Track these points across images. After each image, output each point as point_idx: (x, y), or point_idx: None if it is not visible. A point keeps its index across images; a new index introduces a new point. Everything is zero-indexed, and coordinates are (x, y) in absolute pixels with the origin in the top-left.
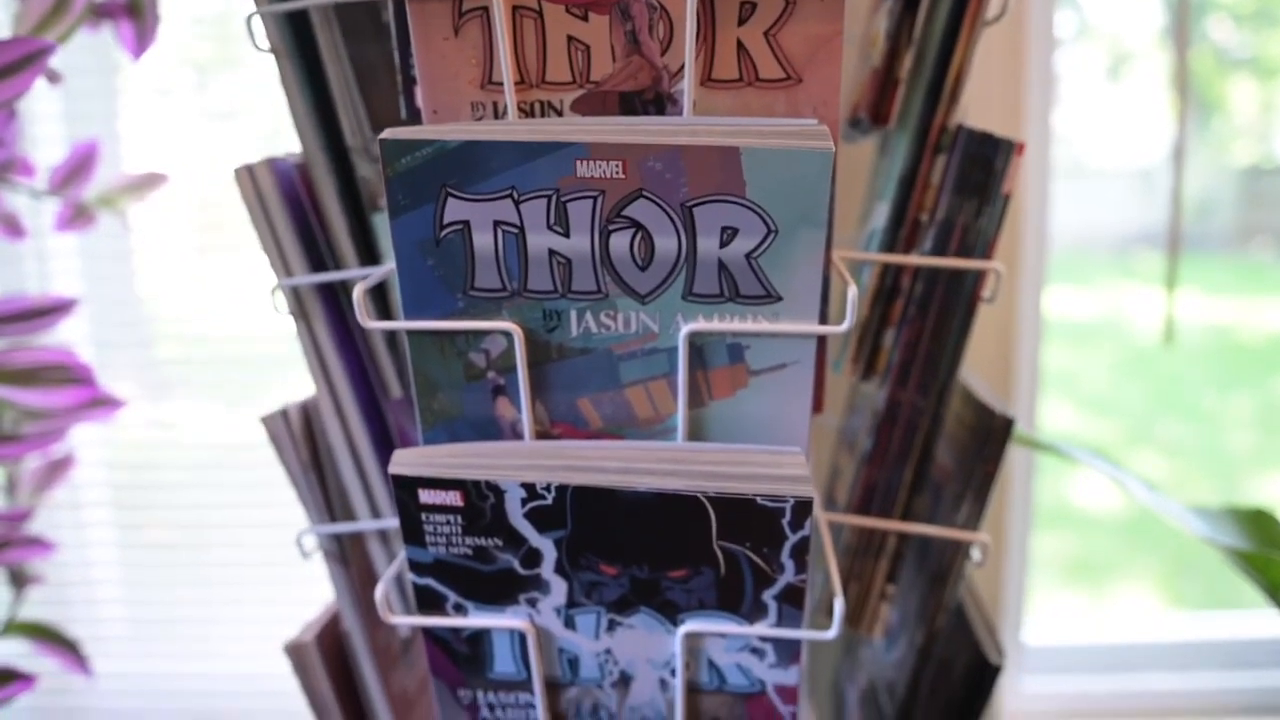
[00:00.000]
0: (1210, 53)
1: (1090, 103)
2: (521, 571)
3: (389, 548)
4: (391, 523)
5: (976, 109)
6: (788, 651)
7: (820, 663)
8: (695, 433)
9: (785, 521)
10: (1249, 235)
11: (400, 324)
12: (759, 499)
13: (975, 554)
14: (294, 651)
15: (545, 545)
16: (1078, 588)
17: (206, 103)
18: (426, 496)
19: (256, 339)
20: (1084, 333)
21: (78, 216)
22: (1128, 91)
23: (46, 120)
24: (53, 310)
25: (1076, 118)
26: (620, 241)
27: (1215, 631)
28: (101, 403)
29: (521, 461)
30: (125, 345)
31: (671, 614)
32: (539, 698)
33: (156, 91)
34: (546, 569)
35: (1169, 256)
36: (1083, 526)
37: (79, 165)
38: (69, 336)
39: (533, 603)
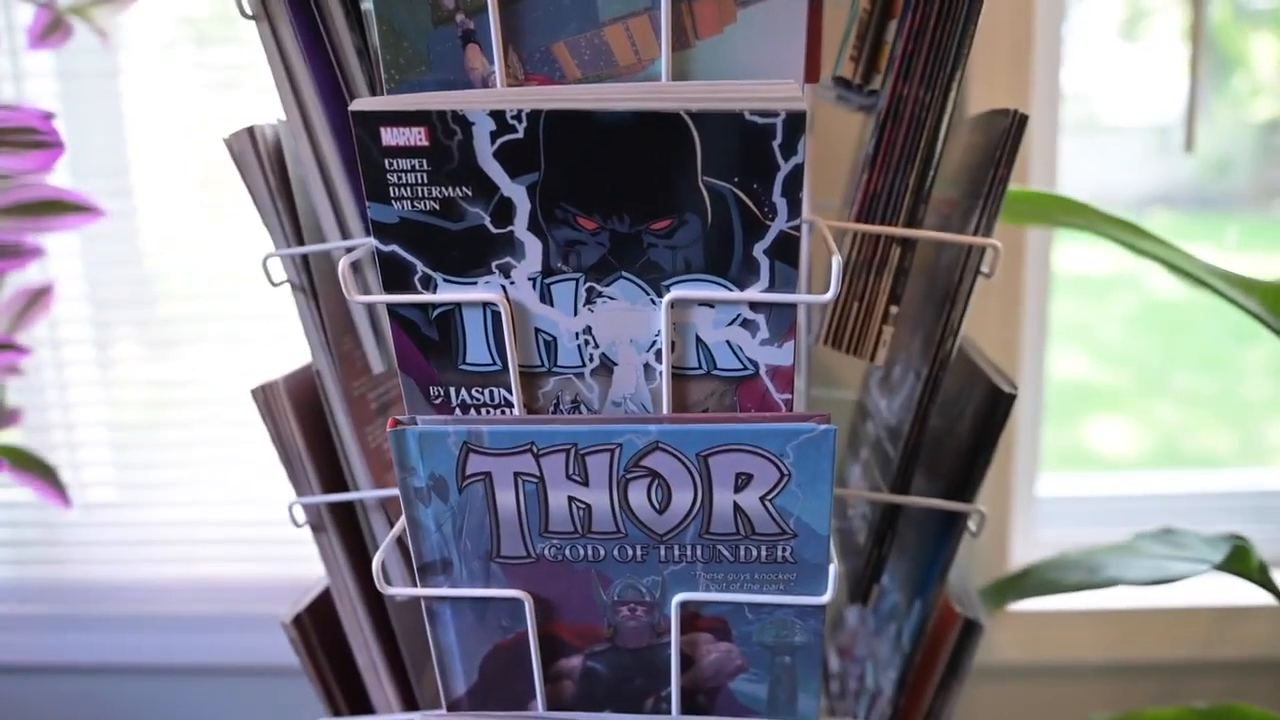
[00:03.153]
0: (1229, 7)
1: (1106, 59)
2: (493, 230)
3: (360, 276)
4: (363, 241)
5: (983, 73)
6: (782, 324)
7: None
8: (680, 78)
9: (776, 145)
10: (1268, 193)
11: None
12: (747, 114)
13: (986, 265)
14: (261, 394)
15: (517, 194)
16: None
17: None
18: (389, 137)
19: None
20: (1099, 287)
21: (52, 29)
22: (1144, 48)
23: None
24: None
25: (1092, 75)
26: None
27: (1231, 484)
28: (79, 209)
29: (492, 99)
30: (103, 174)
31: (655, 280)
32: (515, 386)
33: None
34: (519, 226)
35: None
36: (1100, 469)
37: None
38: None
39: (506, 271)
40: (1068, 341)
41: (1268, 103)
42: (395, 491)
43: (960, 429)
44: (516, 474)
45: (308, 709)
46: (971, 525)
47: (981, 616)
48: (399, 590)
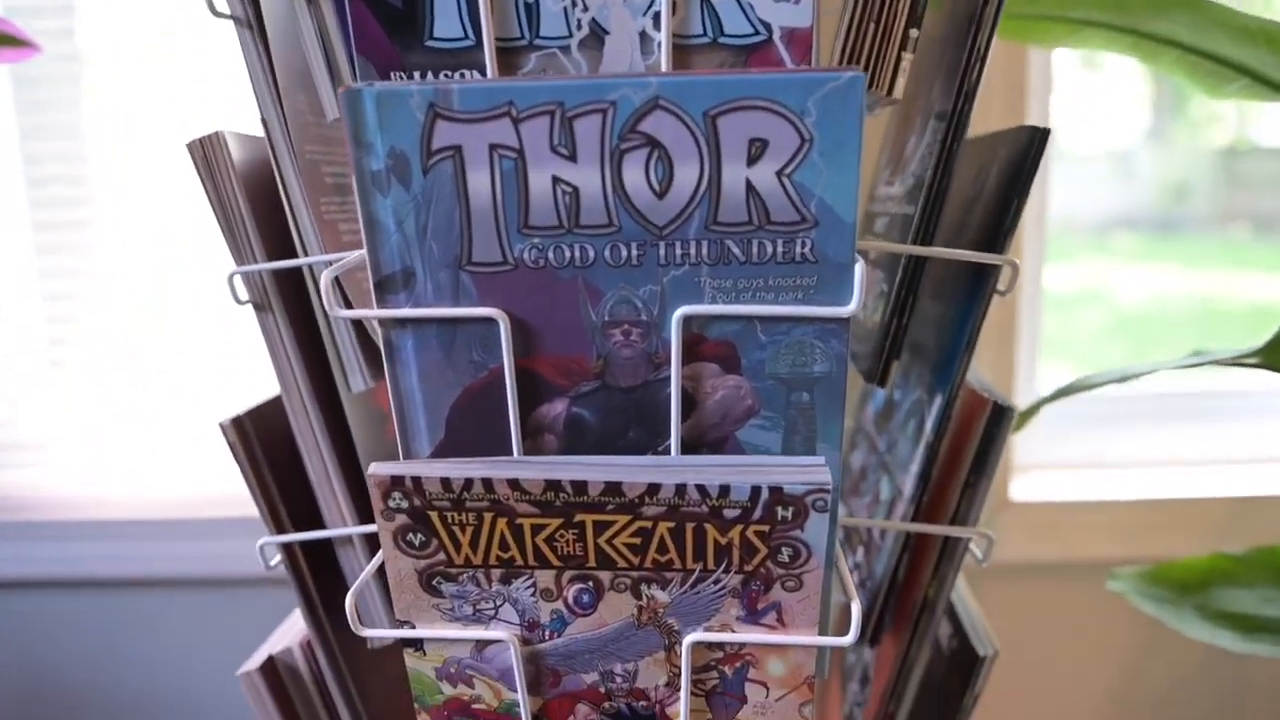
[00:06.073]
0: None
1: (1067, 87)
2: None
3: (315, 8)
4: None
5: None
6: None
7: None
8: None
9: None
10: (1228, 217)
11: None
12: None
13: None
14: (200, 148)
15: None
16: None
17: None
18: None
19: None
20: (1070, 302)
21: None
22: (1104, 76)
23: None
24: None
25: (1054, 102)
26: None
27: (1252, 383)
28: (12, 41)
29: None
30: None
31: None
32: (489, 61)
33: None
34: None
35: None
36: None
37: None
38: None
39: None
40: (1047, 350)
41: (1224, 129)
42: (353, 254)
43: (983, 198)
44: (492, 146)
45: (264, 619)
46: (1001, 284)
47: (1011, 404)
48: (350, 312)
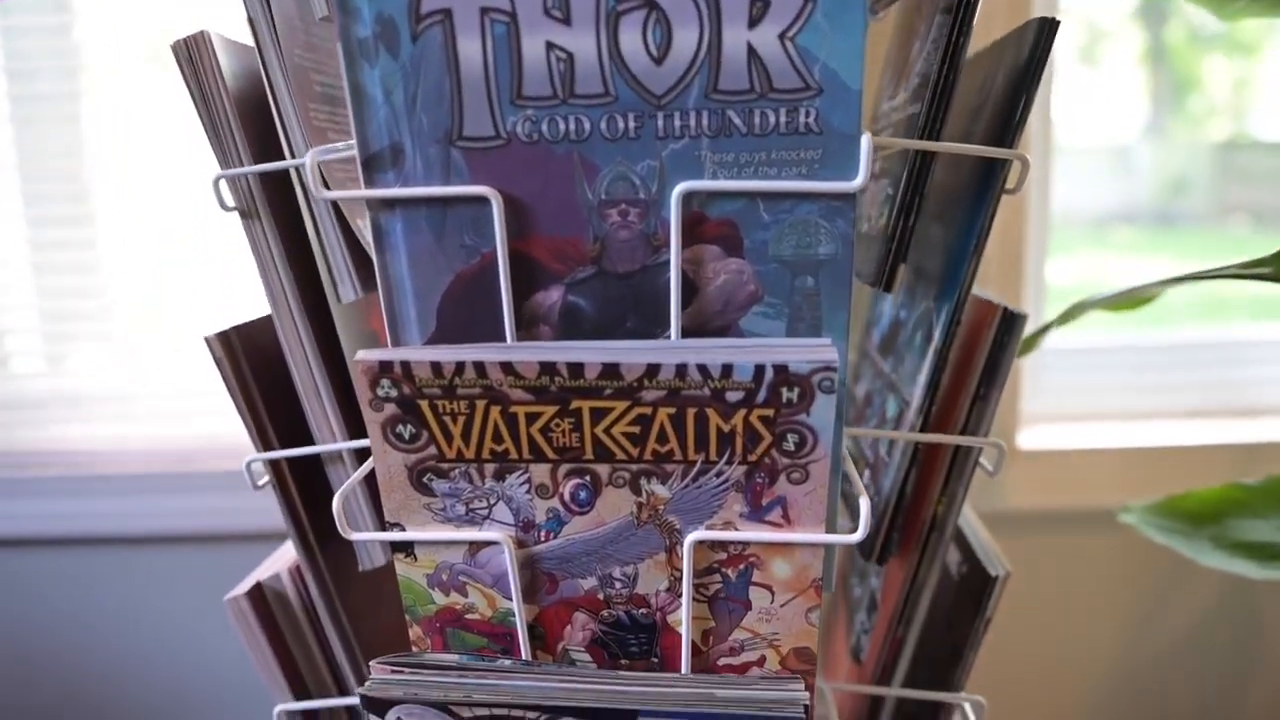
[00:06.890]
0: (1183, 30)
1: (1065, 82)
2: None
3: None
4: None
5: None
6: None
7: None
8: None
9: None
10: (1227, 211)
11: None
12: None
13: None
14: (184, 48)
15: None
16: None
17: None
18: None
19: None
20: (1069, 295)
21: None
22: (1103, 71)
23: None
24: None
25: (1053, 97)
26: None
27: (1253, 334)
28: None
29: None
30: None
31: None
32: None
33: None
34: None
35: None
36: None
37: None
38: None
39: None
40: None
41: (1222, 123)
42: (343, 151)
43: (990, 101)
44: (483, 10)
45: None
46: (1010, 181)
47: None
48: (335, 193)
